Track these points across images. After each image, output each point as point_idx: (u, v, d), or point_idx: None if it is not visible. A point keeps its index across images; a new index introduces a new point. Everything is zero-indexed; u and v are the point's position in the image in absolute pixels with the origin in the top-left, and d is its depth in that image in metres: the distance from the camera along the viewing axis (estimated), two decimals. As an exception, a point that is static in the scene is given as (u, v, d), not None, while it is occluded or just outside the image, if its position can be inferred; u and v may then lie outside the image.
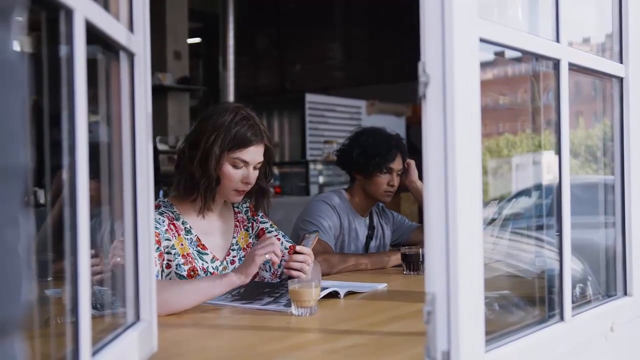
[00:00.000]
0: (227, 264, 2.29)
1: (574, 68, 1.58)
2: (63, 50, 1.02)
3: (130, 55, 1.34)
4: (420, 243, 2.94)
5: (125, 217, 1.36)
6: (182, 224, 2.23)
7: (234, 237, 2.35)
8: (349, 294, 2.18)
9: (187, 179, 2.21)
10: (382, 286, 2.35)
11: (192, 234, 2.23)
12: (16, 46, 0.59)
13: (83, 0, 1.02)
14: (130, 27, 1.34)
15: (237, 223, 2.38)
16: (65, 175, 1.01)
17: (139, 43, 1.36)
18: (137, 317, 1.36)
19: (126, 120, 1.35)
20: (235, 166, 2.20)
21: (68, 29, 0.99)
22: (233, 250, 2.33)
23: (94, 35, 1.11)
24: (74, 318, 1.02)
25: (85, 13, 1.02)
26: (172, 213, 2.22)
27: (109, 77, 1.34)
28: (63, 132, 1.02)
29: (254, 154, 2.21)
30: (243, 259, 2.30)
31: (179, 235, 2.19)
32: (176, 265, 2.15)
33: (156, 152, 4.57)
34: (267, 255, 1.98)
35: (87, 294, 1.02)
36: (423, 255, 2.64)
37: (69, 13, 0.99)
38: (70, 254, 1.00)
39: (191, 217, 2.25)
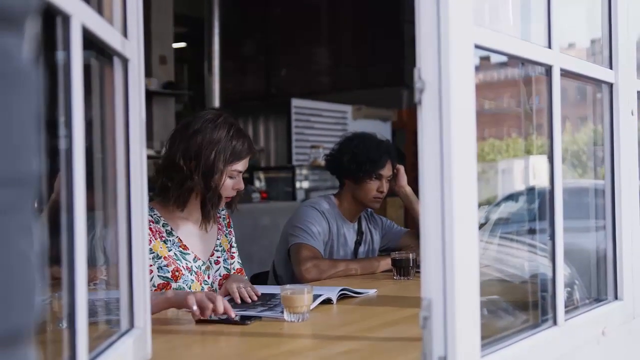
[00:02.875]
0: (210, 263, 2.36)
1: (564, 74, 1.59)
2: (59, 55, 1.01)
3: (125, 61, 1.33)
4: (409, 248, 2.94)
5: (119, 225, 1.35)
6: (163, 226, 2.27)
7: (217, 239, 2.42)
8: (342, 298, 2.18)
9: (187, 192, 2.25)
10: (372, 292, 2.35)
11: (173, 235, 2.28)
12: (28, 54, 0.58)
13: (80, 6, 1.02)
14: (125, 33, 1.34)
15: (220, 226, 2.46)
16: (62, 181, 1.00)
17: (133, 49, 1.36)
18: (132, 325, 1.35)
19: (120, 126, 1.35)
20: (231, 177, 2.29)
21: (65, 35, 0.99)
22: (217, 250, 2.40)
23: (89, 41, 1.10)
24: (68, 325, 1.01)
25: (82, 19, 1.02)
26: (152, 216, 2.24)
27: (102, 83, 1.33)
28: (57, 138, 1.01)
29: (246, 163, 2.33)
30: (227, 260, 2.41)
31: (156, 239, 2.23)
32: (158, 268, 2.19)
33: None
34: (194, 307, 1.82)
35: (84, 302, 1.01)
36: (413, 260, 2.66)
37: (66, 19, 0.98)
38: (67, 261, 1.00)
39: (173, 220, 2.30)
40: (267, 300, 2.12)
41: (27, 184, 0.57)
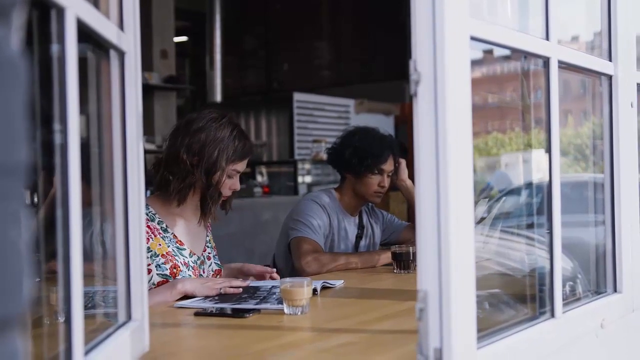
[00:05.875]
0: (204, 258, 2.41)
1: (563, 66, 1.59)
2: (54, 48, 1.01)
3: (121, 54, 1.33)
4: (410, 242, 2.95)
5: (116, 218, 1.35)
6: (158, 223, 2.30)
7: (207, 236, 2.47)
8: (324, 288, 2.23)
9: (187, 187, 2.28)
10: (340, 282, 2.38)
11: (169, 232, 2.31)
12: (16, 45, 0.58)
13: (74, -2, 1.02)
14: (121, 26, 1.34)
15: (208, 225, 2.50)
16: (56, 175, 1.00)
17: (129, 42, 1.36)
18: (129, 317, 1.36)
19: (116, 119, 1.35)
20: (229, 176, 2.32)
21: (59, 28, 0.99)
22: (208, 247, 2.45)
23: (84, 34, 1.10)
24: (65, 318, 1.02)
25: (77, 11, 1.02)
26: (147, 214, 2.25)
27: (99, 76, 1.33)
28: (53, 132, 1.02)
29: (245, 164, 2.38)
30: (216, 256, 2.47)
31: (155, 236, 2.26)
32: (156, 266, 2.22)
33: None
34: (221, 290, 2.13)
35: (80, 294, 1.02)
36: (413, 253, 2.66)
37: (61, 11, 0.98)
38: (62, 254, 1.00)
39: (168, 216, 2.33)
40: (253, 293, 2.12)
41: (16, 174, 0.57)
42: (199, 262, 2.36)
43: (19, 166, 0.58)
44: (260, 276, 2.43)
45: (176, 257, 2.27)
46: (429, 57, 1.17)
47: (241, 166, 2.35)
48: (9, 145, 0.56)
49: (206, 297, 2.09)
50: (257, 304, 1.97)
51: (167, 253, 2.25)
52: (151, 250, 2.22)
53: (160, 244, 2.26)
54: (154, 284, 2.20)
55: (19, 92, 0.57)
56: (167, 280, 2.21)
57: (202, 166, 2.26)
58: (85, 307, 1.13)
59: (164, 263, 2.23)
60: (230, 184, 2.33)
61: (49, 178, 1.06)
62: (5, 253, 0.56)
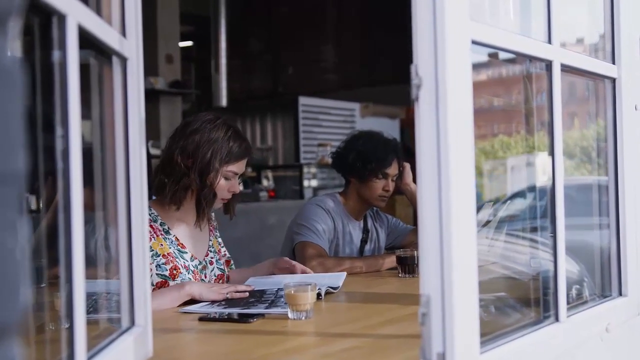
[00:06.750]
0: (206, 263, 2.40)
1: (566, 69, 1.58)
2: (55, 55, 1.01)
3: (123, 60, 1.34)
4: (414, 245, 2.94)
5: (119, 223, 1.36)
6: (160, 225, 2.31)
7: (209, 240, 2.46)
8: (328, 293, 2.22)
9: (183, 189, 2.28)
10: (342, 276, 2.41)
11: (171, 234, 2.31)
12: (13, 52, 0.59)
13: (76, 5, 1.02)
14: (123, 32, 1.34)
15: (211, 229, 2.50)
16: (59, 181, 1.00)
17: (131, 47, 1.36)
18: (132, 322, 1.36)
19: (119, 125, 1.35)
20: (226, 178, 2.32)
21: (61, 34, 0.99)
22: (211, 251, 2.45)
23: (86, 40, 1.11)
24: (69, 324, 1.02)
25: (78, 18, 1.02)
26: (150, 215, 2.26)
27: (101, 82, 1.34)
28: (56, 138, 1.02)
29: (243, 165, 2.36)
30: (219, 261, 2.46)
31: (157, 236, 2.27)
32: (157, 266, 2.23)
33: (148, 156, 4.61)
34: (228, 295, 2.13)
35: (82, 300, 1.02)
36: (418, 257, 2.64)
37: (62, 18, 0.99)
38: (64, 260, 1.00)
39: (170, 219, 2.33)
40: (260, 297, 2.12)
41: (14, 181, 0.57)
42: (200, 266, 2.36)
43: (16, 174, 0.58)
44: (289, 270, 2.46)
45: (177, 259, 2.27)
46: (430, 61, 1.17)
47: (237, 167, 2.33)
48: (6, 153, 0.57)
49: (213, 302, 2.09)
50: (266, 308, 1.97)
51: (168, 254, 2.25)
52: (152, 250, 2.22)
53: (162, 244, 2.26)
54: (152, 283, 2.20)
55: (16, 99, 0.57)
56: (166, 281, 2.21)
57: (196, 167, 2.26)
58: (88, 312, 1.13)
59: (165, 263, 2.23)
60: (228, 186, 2.32)
61: (55, 184, 1.07)
62: (2, 261, 0.56)
